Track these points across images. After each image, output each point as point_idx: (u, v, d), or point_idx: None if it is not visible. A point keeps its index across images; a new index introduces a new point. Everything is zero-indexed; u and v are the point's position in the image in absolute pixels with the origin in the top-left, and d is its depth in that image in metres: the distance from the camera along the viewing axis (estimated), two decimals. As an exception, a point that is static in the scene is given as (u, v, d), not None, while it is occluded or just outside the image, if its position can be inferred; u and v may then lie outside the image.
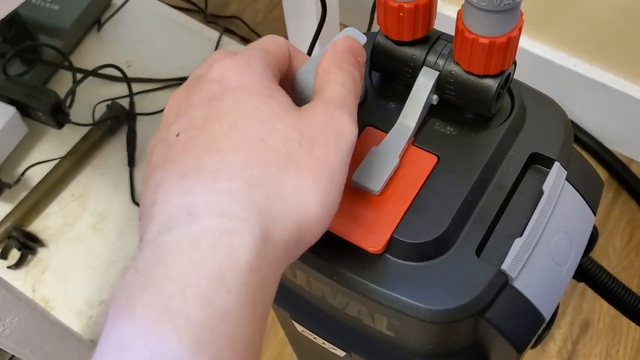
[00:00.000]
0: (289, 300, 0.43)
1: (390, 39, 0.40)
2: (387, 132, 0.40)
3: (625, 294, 0.59)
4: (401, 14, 0.38)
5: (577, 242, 0.42)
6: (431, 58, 0.40)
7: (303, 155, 0.30)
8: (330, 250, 0.37)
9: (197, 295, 0.25)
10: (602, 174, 1.05)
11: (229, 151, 0.29)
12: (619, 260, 0.97)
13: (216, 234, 0.26)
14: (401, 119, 0.40)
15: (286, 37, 0.94)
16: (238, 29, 1.22)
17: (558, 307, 0.43)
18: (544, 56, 1.00)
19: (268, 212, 0.28)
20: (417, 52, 0.40)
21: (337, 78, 0.33)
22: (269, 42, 0.35)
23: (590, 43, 0.97)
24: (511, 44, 0.37)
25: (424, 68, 0.40)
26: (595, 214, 0.44)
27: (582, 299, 0.94)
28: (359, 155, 0.38)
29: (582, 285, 0.56)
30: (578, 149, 1.04)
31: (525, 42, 1.00)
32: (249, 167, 0.29)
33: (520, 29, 0.37)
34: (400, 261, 0.37)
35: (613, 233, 1.00)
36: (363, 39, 0.37)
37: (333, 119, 0.31)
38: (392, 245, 0.37)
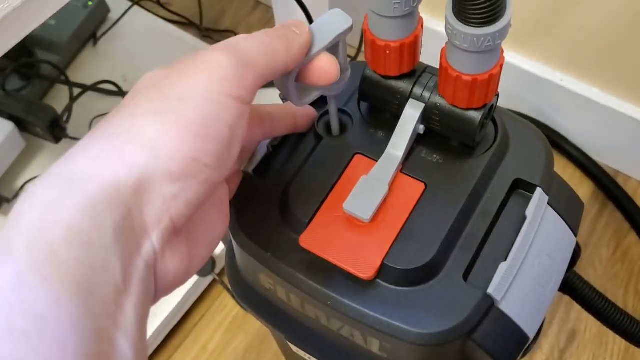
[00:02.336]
0: (285, 322, 0.45)
1: (378, 74, 0.42)
2: (376, 160, 0.42)
3: (607, 306, 0.61)
4: (388, 52, 0.39)
5: (559, 263, 0.44)
6: (417, 90, 0.42)
7: (150, 93, 0.29)
8: (324, 276, 0.39)
9: None
10: (589, 185, 1.07)
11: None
12: (605, 270, 1.00)
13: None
14: (389, 148, 0.42)
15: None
16: (232, 43, 1.24)
17: (544, 320, 0.44)
18: (531, 71, 1.03)
19: (82, 154, 0.27)
20: (403, 85, 0.42)
21: (250, 35, 0.33)
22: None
23: (577, 59, 0.99)
24: (493, 80, 0.39)
25: (411, 100, 0.42)
26: (576, 235, 0.46)
27: (569, 308, 0.96)
28: (350, 184, 0.40)
29: (569, 295, 0.58)
30: (565, 161, 1.07)
31: (514, 58, 1.02)
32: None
33: (501, 66, 0.39)
34: (391, 286, 0.38)
35: (599, 244, 1.02)
36: (348, 22, 0.37)
37: (196, 55, 0.30)
38: (383, 271, 0.38)
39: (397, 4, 0.37)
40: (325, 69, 0.36)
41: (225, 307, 1.00)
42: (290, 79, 0.36)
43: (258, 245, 0.41)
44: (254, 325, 0.98)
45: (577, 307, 0.93)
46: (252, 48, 0.32)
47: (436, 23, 1.01)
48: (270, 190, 0.42)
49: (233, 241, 0.43)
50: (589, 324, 0.95)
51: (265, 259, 0.41)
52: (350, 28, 0.37)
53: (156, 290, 0.30)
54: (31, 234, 0.25)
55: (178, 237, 0.30)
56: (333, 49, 0.38)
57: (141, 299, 0.28)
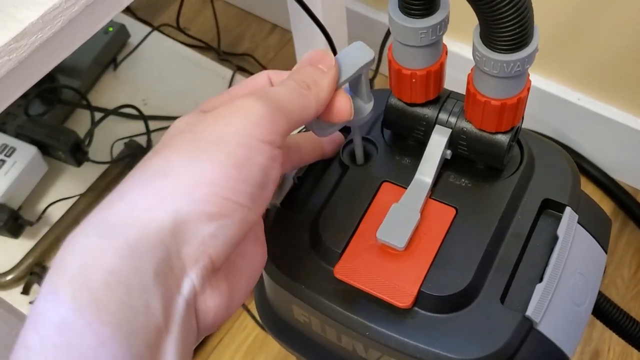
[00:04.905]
0: (320, 354, 0.44)
1: (403, 101, 0.43)
2: (404, 187, 0.42)
3: (631, 325, 0.61)
4: (414, 80, 0.40)
5: (592, 281, 0.43)
6: (443, 116, 0.42)
7: (185, 136, 0.30)
8: (361, 307, 0.39)
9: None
10: (609, 204, 1.06)
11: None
12: (627, 289, 0.99)
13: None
14: (418, 175, 0.42)
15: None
16: (250, 66, 1.25)
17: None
18: (549, 91, 1.03)
19: (118, 202, 0.28)
20: (429, 112, 0.42)
21: (281, 84, 0.34)
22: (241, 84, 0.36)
23: (593, 78, 1.00)
24: (521, 103, 0.39)
25: (437, 126, 0.42)
26: (606, 252, 0.46)
27: (591, 327, 0.95)
28: (380, 212, 0.40)
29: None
30: (585, 179, 1.07)
31: (531, 78, 1.03)
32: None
33: (528, 89, 0.39)
34: (429, 314, 0.38)
35: (621, 263, 1.01)
36: (370, 54, 0.37)
37: (231, 101, 0.31)
38: (421, 299, 0.38)
39: (423, 34, 0.37)
40: (339, 109, 0.36)
41: (245, 328, 1.01)
42: None
43: (291, 278, 0.41)
44: (275, 346, 0.98)
45: (599, 326, 0.92)
46: (284, 96, 0.33)
47: (453, 44, 1.02)
48: (299, 222, 0.42)
49: (264, 274, 0.43)
50: (613, 343, 0.94)
51: (299, 291, 0.40)
52: (373, 61, 0.38)
53: (198, 329, 0.30)
54: (74, 280, 0.26)
55: (217, 275, 0.31)
56: (355, 81, 0.38)
57: (182, 338, 0.28)
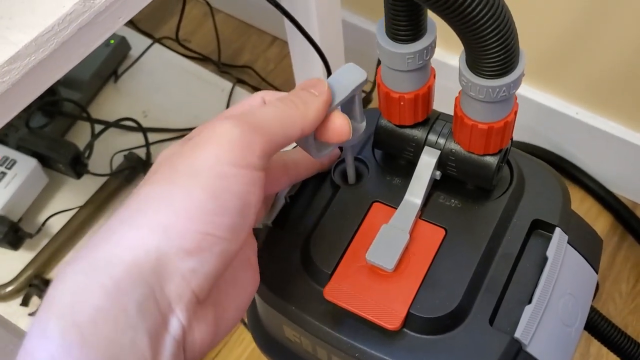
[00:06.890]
0: None
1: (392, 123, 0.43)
2: (394, 207, 0.42)
3: (626, 342, 0.61)
4: (402, 103, 0.40)
5: (582, 301, 0.44)
6: (432, 138, 0.42)
7: (164, 169, 0.30)
8: (350, 328, 0.39)
9: None
10: (607, 218, 1.06)
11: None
12: (625, 304, 0.99)
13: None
14: (407, 195, 0.42)
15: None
16: (250, 78, 1.26)
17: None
18: (547, 104, 1.03)
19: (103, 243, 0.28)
20: (418, 134, 0.43)
21: (268, 103, 0.34)
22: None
23: (592, 92, 1.00)
24: (508, 127, 0.39)
25: (426, 147, 0.42)
26: (597, 272, 0.46)
27: (588, 342, 0.95)
28: (371, 232, 0.40)
29: (588, 329, 0.58)
30: (583, 193, 1.07)
31: (529, 91, 1.03)
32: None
33: (515, 113, 0.39)
34: (418, 335, 0.38)
35: (619, 277, 1.01)
36: (363, 76, 0.38)
37: (206, 125, 0.31)
38: (410, 320, 0.38)
39: (410, 59, 0.38)
40: (338, 128, 0.36)
41: (243, 342, 1.01)
42: (309, 136, 0.37)
43: (281, 298, 0.41)
44: (272, 360, 0.98)
45: (597, 342, 0.92)
46: (265, 114, 0.32)
47: (451, 57, 1.03)
48: (290, 241, 0.43)
49: (255, 295, 0.43)
50: (610, 359, 0.93)
51: (290, 312, 0.41)
52: (365, 82, 0.38)
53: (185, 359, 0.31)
54: (63, 317, 0.27)
55: (204, 307, 0.31)
56: (349, 102, 0.39)
57: None
